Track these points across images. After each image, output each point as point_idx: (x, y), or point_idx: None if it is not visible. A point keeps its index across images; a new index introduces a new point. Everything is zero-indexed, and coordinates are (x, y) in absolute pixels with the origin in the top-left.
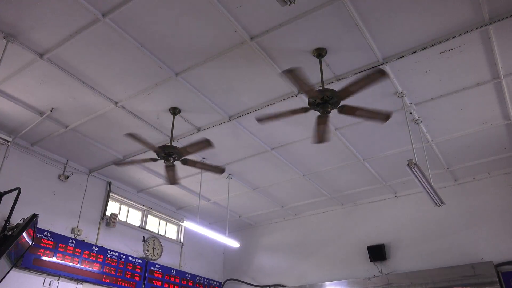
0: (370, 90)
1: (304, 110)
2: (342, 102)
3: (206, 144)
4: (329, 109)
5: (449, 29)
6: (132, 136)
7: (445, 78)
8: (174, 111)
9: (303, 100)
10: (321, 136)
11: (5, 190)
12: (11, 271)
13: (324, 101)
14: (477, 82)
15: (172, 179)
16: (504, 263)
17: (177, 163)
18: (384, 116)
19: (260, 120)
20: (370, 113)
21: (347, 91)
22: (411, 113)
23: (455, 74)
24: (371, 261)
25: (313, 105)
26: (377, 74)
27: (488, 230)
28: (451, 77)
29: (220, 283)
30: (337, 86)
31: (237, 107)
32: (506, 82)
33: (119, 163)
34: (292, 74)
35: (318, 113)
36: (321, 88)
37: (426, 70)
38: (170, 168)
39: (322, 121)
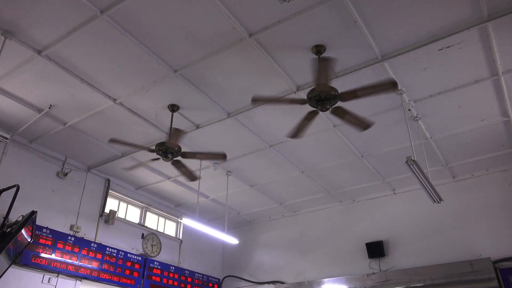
0: (366, 84)
1: (302, 102)
2: (339, 103)
3: (221, 157)
4: (328, 107)
5: (448, 26)
6: (116, 141)
7: (443, 75)
8: (173, 108)
9: (301, 97)
10: (299, 131)
11: (4, 187)
12: (10, 268)
13: (325, 99)
14: (475, 79)
15: (189, 175)
16: (502, 260)
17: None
18: (390, 85)
19: (255, 100)
20: (357, 120)
21: (353, 94)
22: (409, 110)
23: (453, 71)
24: (369, 257)
25: (312, 100)
26: (389, 85)
27: (486, 226)
28: (449, 74)
29: (219, 279)
30: (336, 83)
31: (235, 104)
32: (505, 79)
33: (114, 140)
34: (328, 62)
35: (311, 109)
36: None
37: (425, 67)
38: (179, 165)
39: (310, 117)
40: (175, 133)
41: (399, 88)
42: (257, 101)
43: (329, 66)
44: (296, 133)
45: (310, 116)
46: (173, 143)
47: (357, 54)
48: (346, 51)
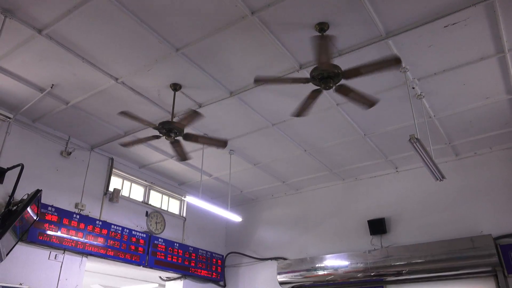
0: (370, 61)
1: (305, 80)
2: (342, 81)
3: (194, 114)
4: (331, 85)
5: (454, 2)
6: (126, 114)
7: (448, 53)
8: (175, 87)
9: (304, 76)
10: (303, 110)
11: (8, 166)
12: (17, 245)
13: (328, 77)
14: (481, 56)
15: (182, 155)
16: (503, 236)
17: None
18: (393, 62)
19: (257, 80)
20: (362, 97)
21: (357, 72)
22: (413, 88)
23: (459, 48)
24: (371, 234)
25: (315, 79)
26: (392, 61)
27: (488, 204)
28: (454, 52)
29: (223, 256)
30: (339, 61)
31: (238, 82)
32: (511, 56)
33: (125, 144)
34: (327, 39)
35: (314, 88)
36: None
37: (429, 44)
38: (176, 144)
39: (314, 96)
40: (192, 115)
41: (403, 65)
42: (259, 81)
43: (328, 44)
44: (301, 112)
45: (313, 95)
46: (182, 124)
47: (361, 32)
48: (350, 29)
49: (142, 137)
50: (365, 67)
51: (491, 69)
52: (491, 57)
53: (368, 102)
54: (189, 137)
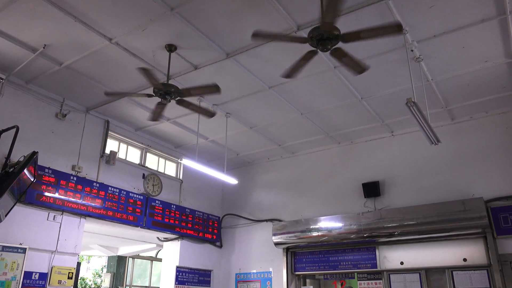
0: (370, 26)
1: (303, 40)
2: (339, 44)
3: (214, 89)
4: (329, 47)
5: None
6: (111, 94)
7: (449, 14)
8: (170, 48)
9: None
10: (294, 71)
11: (3, 128)
12: (16, 206)
13: (327, 38)
14: (482, 18)
15: (156, 116)
16: (494, 199)
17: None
18: (395, 28)
19: (255, 35)
20: (354, 63)
21: (356, 36)
22: (412, 50)
23: (460, 9)
24: (365, 197)
25: (312, 40)
26: (393, 28)
27: (481, 168)
28: (455, 13)
29: (219, 217)
30: (337, 22)
31: (235, 44)
32: None
33: (109, 93)
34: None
35: (310, 49)
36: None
37: (430, 5)
38: (162, 106)
39: (308, 57)
40: (211, 87)
41: (403, 27)
42: (258, 36)
43: (339, 4)
44: (291, 73)
45: (308, 56)
46: (158, 84)
47: None
48: None
49: (133, 92)
50: (366, 32)
51: (491, 32)
52: (492, 19)
53: (359, 68)
54: (182, 103)
